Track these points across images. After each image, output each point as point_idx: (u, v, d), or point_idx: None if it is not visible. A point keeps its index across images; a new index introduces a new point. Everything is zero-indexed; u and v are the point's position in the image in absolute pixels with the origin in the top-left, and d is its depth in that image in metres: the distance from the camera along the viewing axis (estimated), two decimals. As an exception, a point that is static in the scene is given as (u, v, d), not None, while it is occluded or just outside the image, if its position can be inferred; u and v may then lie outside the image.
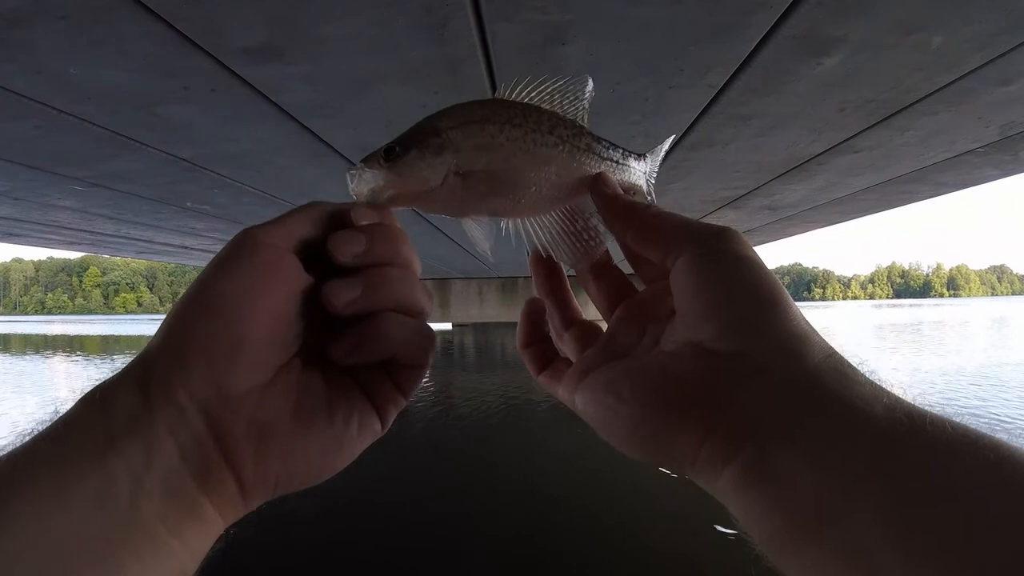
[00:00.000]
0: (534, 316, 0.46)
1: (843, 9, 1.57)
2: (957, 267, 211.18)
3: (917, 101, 2.29)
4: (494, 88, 2.05)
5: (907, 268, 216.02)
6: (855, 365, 0.32)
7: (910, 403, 0.29)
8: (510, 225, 0.46)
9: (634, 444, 0.35)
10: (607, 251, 0.46)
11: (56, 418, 0.32)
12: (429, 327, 0.40)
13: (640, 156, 0.50)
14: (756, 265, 0.36)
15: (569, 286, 0.48)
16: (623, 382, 0.36)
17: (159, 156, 2.85)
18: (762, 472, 0.30)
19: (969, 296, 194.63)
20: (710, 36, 1.73)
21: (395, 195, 0.41)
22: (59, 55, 1.71)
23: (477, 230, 0.45)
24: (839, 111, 2.42)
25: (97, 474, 0.29)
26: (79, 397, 0.32)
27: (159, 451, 0.31)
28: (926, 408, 0.29)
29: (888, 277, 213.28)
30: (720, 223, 0.38)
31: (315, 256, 0.38)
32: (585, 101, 0.46)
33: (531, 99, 0.45)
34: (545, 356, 0.46)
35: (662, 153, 0.53)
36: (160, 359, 0.34)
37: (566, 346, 0.46)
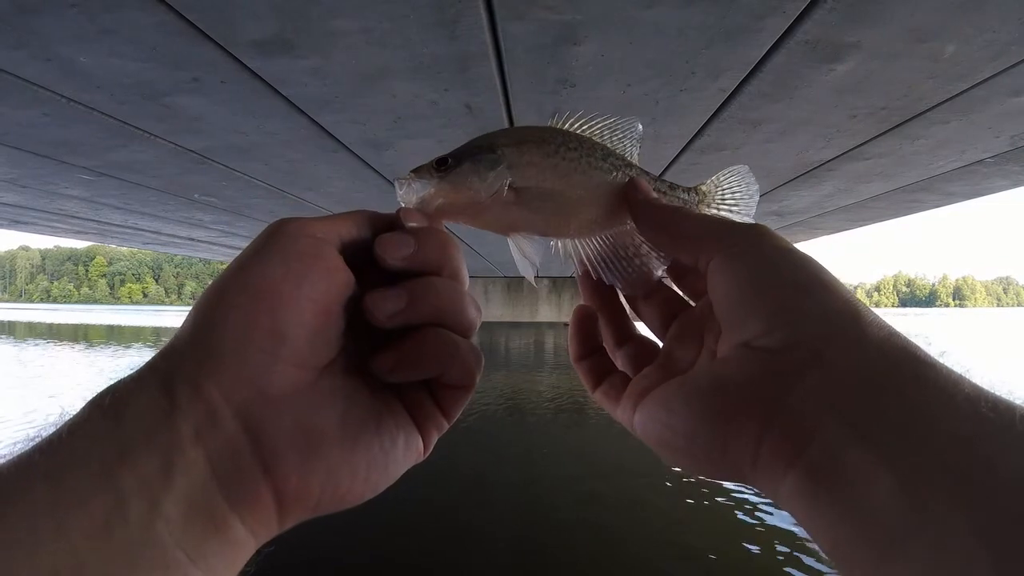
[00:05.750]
0: (585, 325, 0.44)
1: (856, 16, 1.56)
2: (963, 278, 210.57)
3: (928, 109, 2.28)
4: (505, 86, 2.05)
5: (913, 278, 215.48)
6: (922, 346, 0.28)
7: (992, 393, 0.25)
8: (559, 245, 0.45)
9: (691, 459, 0.32)
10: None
11: (59, 424, 0.27)
12: (477, 348, 0.37)
13: (690, 189, 0.49)
14: (792, 252, 0.33)
15: (621, 299, 0.45)
16: (675, 397, 0.33)
17: (167, 147, 2.86)
18: (830, 476, 0.26)
19: (975, 306, 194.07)
20: (722, 39, 1.72)
21: (444, 205, 0.40)
22: (69, 43, 1.71)
23: (527, 246, 0.44)
24: (850, 118, 2.40)
25: (103, 494, 0.25)
26: (88, 400, 0.28)
27: (183, 463, 0.27)
28: (1010, 399, 0.25)
29: (894, 286, 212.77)
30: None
31: (358, 261, 0.35)
32: (636, 141, 0.46)
33: (583, 131, 0.45)
34: (600, 370, 0.43)
35: (728, 184, 0.50)
36: (189, 353, 0.30)
37: (620, 363, 0.43)
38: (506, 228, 0.43)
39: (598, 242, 0.45)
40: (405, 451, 0.35)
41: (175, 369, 0.29)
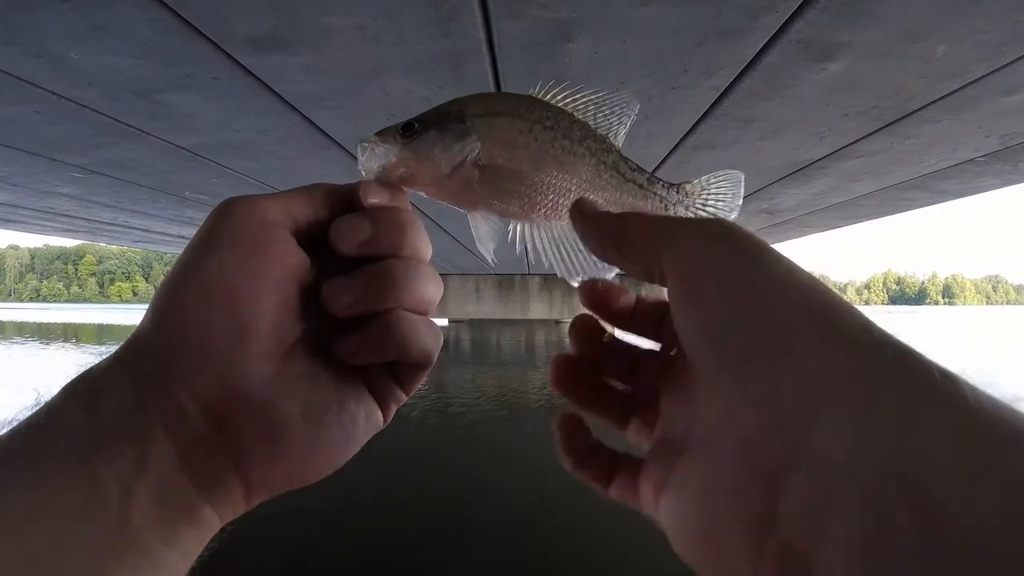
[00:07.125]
0: (571, 431, 0.35)
1: (849, 15, 1.57)
2: (953, 276, 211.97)
3: (920, 108, 2.29)
4: (498, 84, 2.05)
5: (902, 275, 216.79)
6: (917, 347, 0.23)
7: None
8: (518, 228, 0.43)
9: (697, 565, 0.27)
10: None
11: (36, 410, 0.28)
12: (436, 326, 0.37)
13: (672, 186, 0.44)
14: (754, 268, 0.27)
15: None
16: (681, 498, 0.28)
17: (159, 144, 2.84)
18: None
19: (964, 304, 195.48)
20: (715, 38, 1.72)
21: (406, 175, 0.39)
22: (61, 39, 1.70)
23: (484, 228, 0.42)
24: (842, 116, 2.42)
25: (82, 482, 0.26)
26: (63, 386, 0.29)
27: (154, 455, 0.28)
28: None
29: (884, 284, 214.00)
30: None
31: (316, 239, 0.35)
32: (625, 121, 0.43)
33: (566, 105, 0.42)
34: (605, 470, 0.35)
35: (717, 188, 0.45)
36: (153, 352, 0.30)
37: (632, 435, 0.37)
38: (466, 205, 0.41)
39: (556, 231, 0.42)
40: (366, 426, 0.36)
41: (142, 365, 0.30)
